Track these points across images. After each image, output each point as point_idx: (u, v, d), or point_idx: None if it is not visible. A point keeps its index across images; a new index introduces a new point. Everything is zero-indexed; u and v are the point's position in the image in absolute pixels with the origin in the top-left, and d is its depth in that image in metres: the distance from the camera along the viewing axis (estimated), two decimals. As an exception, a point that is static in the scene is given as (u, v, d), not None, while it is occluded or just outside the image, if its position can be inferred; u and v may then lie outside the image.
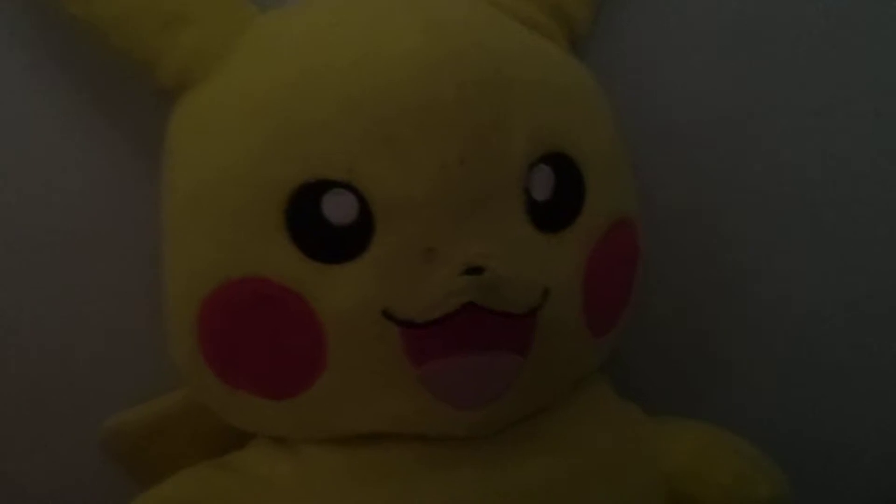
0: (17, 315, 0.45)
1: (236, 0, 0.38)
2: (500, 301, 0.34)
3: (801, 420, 0.55)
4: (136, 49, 0.37)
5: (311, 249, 0.34)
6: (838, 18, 0.49)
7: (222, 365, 0.36)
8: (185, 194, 0.37)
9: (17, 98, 0.43)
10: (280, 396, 0.36)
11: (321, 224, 0.34)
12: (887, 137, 0.51)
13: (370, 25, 0.36)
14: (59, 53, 0.42)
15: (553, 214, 0.37)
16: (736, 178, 0.51)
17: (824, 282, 0.53)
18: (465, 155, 0.34)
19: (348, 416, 0.37)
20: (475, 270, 0.34)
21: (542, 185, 0.37)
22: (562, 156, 0.37)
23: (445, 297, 0.34)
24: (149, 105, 0.39)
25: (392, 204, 0.34)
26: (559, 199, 0.37)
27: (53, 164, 0.44)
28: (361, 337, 0.35)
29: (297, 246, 0.34)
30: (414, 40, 0.35)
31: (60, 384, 0.46)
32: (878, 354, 0.54)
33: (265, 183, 0.34)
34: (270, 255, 0.34)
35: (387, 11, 0.36)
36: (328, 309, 0.34)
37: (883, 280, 0.53)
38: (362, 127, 0.34)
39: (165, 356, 0.39)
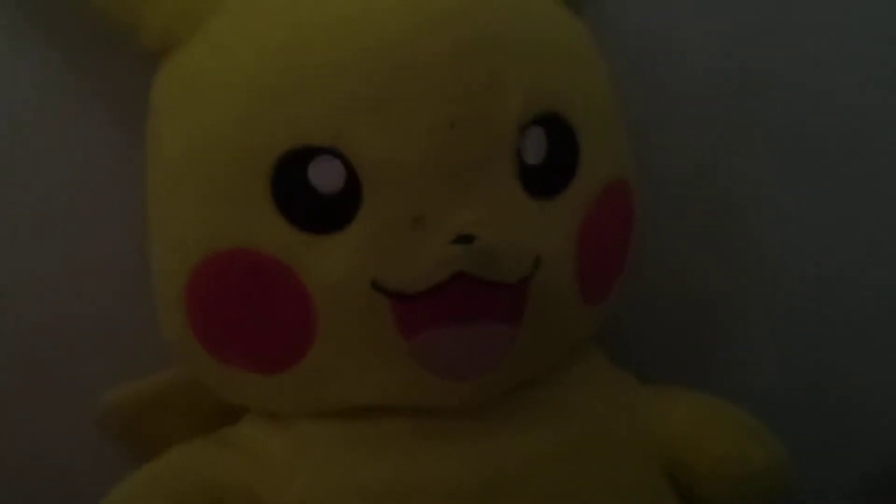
0: (8, 291, 0.45)
1: None
2: (491, 270, 0.34)
3: (804, 383, 0.54)
4: (119, 10, 0.36)
5: (298, 219, 0.34)
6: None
7: (212, 339, 0.36)
8: (168, 161, 0.36)
9: None
10: (271, 370, 0.36)
11: (308, 193, 0.33)
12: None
13: (362, 1, 0.35)
14: (39, 19, 0.42)
15: (546, 179, 0.36)
16: (742, 140, 0.51)
17: (830, 246, 0.52)
18: (455, 118, 0.33)
19: (340, 389, 0.36)
20: (466, 239, 0.33)
21: (535, 148, 0.36)
22: (555, 117, 0.36)
23: (435, 267, 0.33)
24: (133, 70, 0.38)
25: (380, 170, 0.33)
26: (552, 162, 0.36)
27: (39, 136, 0.43)
28: (351, 309, 0.34)
29: (284, 216, 0.33)
30: (408, 20, 0.34)
31: (55, 360, 0.46)
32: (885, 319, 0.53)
33: (250, 149, 0.33)
34: (257, 225, 0.34)
35: None
36: (317, 281, 0.34)
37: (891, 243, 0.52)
38: (349, 90, 0.33)
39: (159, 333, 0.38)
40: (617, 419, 0.41)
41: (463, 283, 0.33)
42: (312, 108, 0.33)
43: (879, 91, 0.50)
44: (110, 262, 0.45)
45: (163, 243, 0.36)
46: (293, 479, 0.37)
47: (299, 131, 0.33)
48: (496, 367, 0.36)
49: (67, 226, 0.44)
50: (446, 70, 0.33)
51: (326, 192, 0.33)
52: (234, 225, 0.34)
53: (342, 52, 0.33)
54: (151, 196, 0.37)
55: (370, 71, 0.33)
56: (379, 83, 0.33)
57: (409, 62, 0.33)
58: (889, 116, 0.50)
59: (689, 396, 0.44)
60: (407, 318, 0.34)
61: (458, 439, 0.37)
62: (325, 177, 0.33)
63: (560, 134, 0.37)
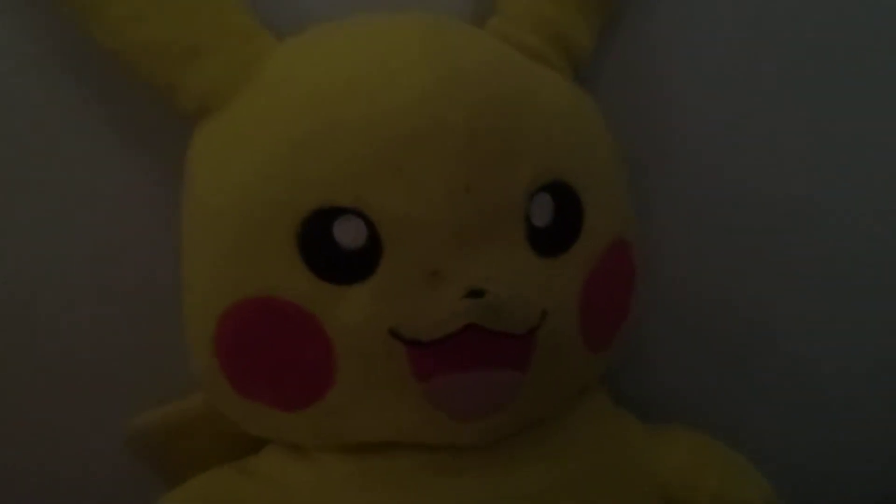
0: (47, 316, 0.47)
1: (253, 30, 0.40)
2: (500, 322, 0.36)
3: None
4: (160, 76, 0.38)
5: (322, 271, 0.36)
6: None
7: (237, 377, 0.38)
8: (204, 213, 0.38)
9: (44, 119, 0.44)
10: (292, 408, 0.39)
11: (332, 248, 0.36)
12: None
13: (389, 64, 0.37)
14: (83, 79, 0.43)
15: (552, 240, 0.39)
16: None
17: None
18: (470, 183, 0.36)
19: (357, 426, 0.39)
20: (477, 293, 0.36)
21: (543, 212, 0.38)
22: (562, 184, 0.39)
23: (449, 319, 0.36)
24: (172, 132, 0.41)
25: (399, 229, 0.36)
26: (558, 225, 0.39)
27: (85, 185, 0.45)
28: (369, 354, 0.37)
29: (310, 268, 0.36)
30: (429, 84, 0.36)
31: (88, 381, 0.48)
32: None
33: (279, 208, 0.36)
34: (284, 276, 0.36)
35: (401, 51, 0.37)
36: (338, 327, 0.36)
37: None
38: (374, 158, 0.35)
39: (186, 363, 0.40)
40: (619, 458, 0.44)
41: (474, 332, 0.36)
42: (336, 170, 0.36)
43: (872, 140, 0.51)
44: (145, 289, 0.47)
45: (194, 288, 0.39)
46: None
47: (325, 192, 0.36)
48: (504, 409, 0.39)
49: (106, 263, 0.46)
50: (463, 143, 0.36)
51: (349, 247, 0.36)
52: (262, 275, 0.37)
53: (366, 118, 0.36)
54: (185, 247, 0.39)
55: (391, 136, 0.36)
56: (399, 148, 0.35)
57: (429, 135, 0.36)
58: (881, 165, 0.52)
59: (685, 436, 0.47)
60: (422, 364, 0.37)
61: (467, 475, 0.40)
62: (348, 234, 0.36)
63: (566, 199, 0.39)
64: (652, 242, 0.48)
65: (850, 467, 0.56)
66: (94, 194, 0.45)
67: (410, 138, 0.35)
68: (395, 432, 0.39)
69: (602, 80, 0.48)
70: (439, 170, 0.36)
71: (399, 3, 0.41)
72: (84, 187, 0.45)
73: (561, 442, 0.42)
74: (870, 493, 0.57)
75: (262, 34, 0.40)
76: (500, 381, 0.38)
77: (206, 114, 0.39)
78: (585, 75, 0.45)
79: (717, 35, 0.49)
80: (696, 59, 0.50)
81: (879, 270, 0.53)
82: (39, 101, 0.44)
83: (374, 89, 0.36)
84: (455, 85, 0.36)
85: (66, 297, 0.47)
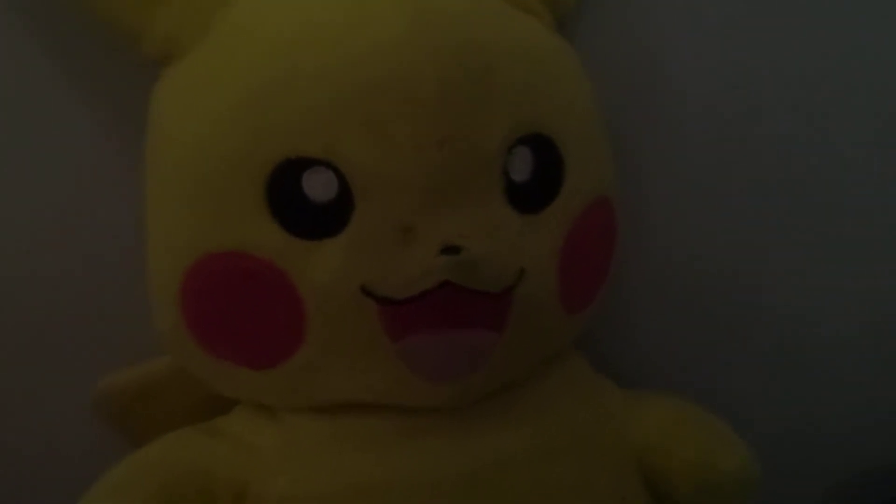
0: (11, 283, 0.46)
1: None
2: (475, 280, 0.35)
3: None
4: (122, 19, 0.37)
5: (292, 225, 0.35)
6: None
7: (204, 336, 0.37)
8: (165, 167, 0.37)
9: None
10: (260, 367, 0.37)
11: (302, 201, 0.35)
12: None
13: (357, 9, 0.36)
14: (43, 26, 0.42)
15: (531, 195, 0.38)
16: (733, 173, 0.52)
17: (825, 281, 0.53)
18: (444, 137, 0.35)
19: (327, 386, 0.38)
20: (452, 250, 0.34)
21: (521, 166, 0.37)
22: (541, 137, 0.38)
23: (422, 276, 0.35)
24: (134, 79, 0.39)
25: (370, 182, 0.34)
26: (537, 180, 0.38)
27: (41, 138, 0.44)
28: (340, 312, 0.36)
29: (279, 222, 0.35)
30: (399, 24, 0.35)
31: (54, 344, 0.47)
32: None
33: (246, 158, 0.35)
34: (252, 230, 0.35)
35: None
36: (308, 284, 0.35)
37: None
38: (342, 106, 0.34)
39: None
40: (594, 423, 0.43)
41: (449, 291, 0.35)
42: (304, 119, 0.34)
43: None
44: (108, 256, 0.46)
45: (158, 243, 0.38)
46: (280, 471, 0.38)
47: (293, 141, 0.34)
48: (478, 370, 0.38)
49: (67, 223, 0.45)
50: (435, 99, 0.34)
51: (319, 200, 0.35)
52: (228, 228, 0.35)
53: (336, 72, 0.34)
54: (149, 198, 0.38)
55: (357, 84, 0.34)
56: (366, 97, 0.34)
57: (400, 90, 0.34)
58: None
59: (664, 402, 0.46)
60: (394, 322, 0.36)
61: (438, 437, 0.39)
62: (318, 186, 0.34)
63: (545, 153, 0.38)
64: (637, 207, 0.47)
65: (834, 435, 0.56)
66: (60, 150, 0.44)
67: (378, 87, 0.34)
68: (367, 393, 0.38)
69: (586, 34, 0.46)
70: (410, 122, 0.34)
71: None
72: (50, 144, 0.44)
73: (535, 406, 0.41)
74: (854, 460, 0.57)
75: None
76: (475, 342, 0.37)
77: (170, 60, 0.38)
78: (571, 29, 0.44)
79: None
80: (688, 11, 0.49)
81: (868, 233, 0.52)
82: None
83: (340, 34, 0.35)
84: (427, 30, 0.35)
85: (30, 255, 0.45)
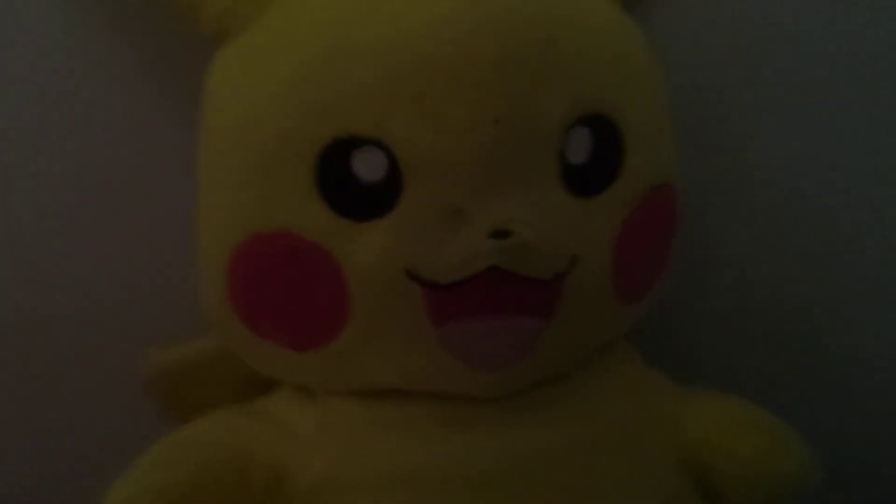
0: (59, 258, 0.46)
1: None
2: (525, 266, 0.34)
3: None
4: None
5: (339, 206, 0.34)
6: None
7: (249, 314, 0.37)
8: (218, 143, 0.37)
9: (59, 45, 0.44)
10: (303, 348, 0.37)
11: (350, 181, 0.34)
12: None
13: None
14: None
15: (588, 179, 0.36)
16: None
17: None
18: (498, 116, 0.33)
19: (368, 370, 0.37)
20: (502, 234, 0.33)
21: (579, 148, 0.35)
22: (602, 118, 0.36)
23: (469, 260, 0.33)
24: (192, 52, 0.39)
25: (420, 162, 0.33)
26: (596, 163, 0.36)
27: (95, 113, 0.45)
28: (384, 295, 0.35)
29: (327, 202, 0.34)
30: (452, 6, 0.33)
31: (101, 320, 0.48)
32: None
33: (297, 136, 0.34)
34: (300, 210, 0.34)
35: None
36: (353, 266, 0.34)
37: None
38: (394, 83, 0.33)
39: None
40: (643, 419, 0.41)
41: (496, 276, 0.33)
42: (356, 94, 0.33)
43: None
44: (159, 233, 0.46)
45: (209, 221, 0.37)
46: (317, 454, 0.38)
47: (342, 119, 0.33)
48: (524, 359, 0.36)
49: (122, 198, 0.46)
50: (491, 73, 0.33)
51: (368, 180, 0.34)
52: (276, 207, 0.35)
53: (387, 40, 0.33)
54: (202, 175, 0.38)
55: (410, 59, 0.33)
56: (420, 72, 0.33)
57: (456, 58, 0.33)
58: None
59: (720, 399, 0.44)
60: (438, 308, 0.35)
61: (480, 427, 0.38)
62: (367, 166, 0.33)
63: (605, 135, 0.36)
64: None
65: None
66: (110, 130, 0.45)
67: (432, 62, 0.33)
68: (407, 379, 0.37)
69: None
70: (464, 99, 0.33)
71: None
72: (102, 122, 0.44)
73: (581, 399, 0.40)
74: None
75: None
76: (521, 330, 0.36)
77: (226, 36, 0.37)
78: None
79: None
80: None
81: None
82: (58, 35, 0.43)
83: (395, 6, 0.34)
84: (487, 21, 0.33)
85: (79, 235, 0.46)
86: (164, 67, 0.44)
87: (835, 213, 0.51)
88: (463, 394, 0.38)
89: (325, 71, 0.34)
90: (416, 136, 0.33)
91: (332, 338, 0.36)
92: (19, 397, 0.48)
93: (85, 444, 0.49)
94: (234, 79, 0.37)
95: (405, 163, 0.33)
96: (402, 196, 0.34)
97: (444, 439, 0.38)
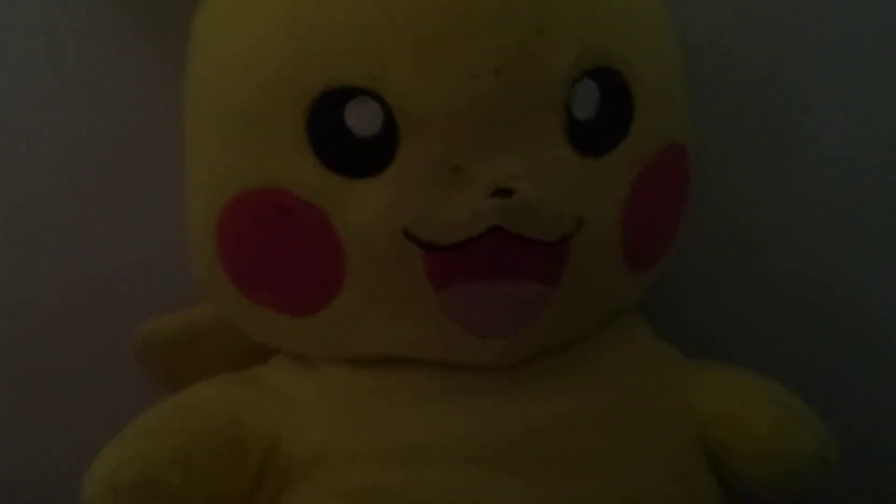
0: (52, 226, 0.46)
1: None
2: (529, 227, 0.32)
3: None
4: None
5: (332, 161, 0.33)
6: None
7: (241, 277, 0.35)
8: (204, 97, 0.35)
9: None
10: (298, 313, 0.36)
11: (344, 134, 0.32)
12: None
13: None
14: None
15: (596, 135, 0.34)
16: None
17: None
18: (500, 65, 0.31)
19: (366, 337, 0.36)
20: (504, 192, 0.31)
21: (586, 102, 0.34)
22: (610, 71, 0.34)
23: (470, 220, 0.32)
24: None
25: (418, 115, 0.32)
26: (603, 118, 0.34)
27: (77, 66, 0.44)
28: (381, 257, 0.33)
29: (319, 157, 0.33)
30: None
31: (95, 290, 0.47)
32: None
33: (286, 85, 0.32)
34: (291, 165, 0.33)
35: None
36: (348, 225, 0.33)
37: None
38: (390, 30, 0.32)
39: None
40: (654, 391, 0.39)
41: (499, 238, 0.32)
42: (348, 40, 0.32)
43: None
44: (152, 201, 0.45)
45: (196, 179, 0.36)
46: (314, 423, 0.36)
47: (337, 70, 0.32)
48: (528, 327, 0.35)
49: (110, 160, 0.45)
50: (493, 14, 0.31)
51: (363, 134, 0.32)
52: (268, 164, 0.33)
53: None
54: (188, 132, 0.37)
55: (409, 6, 0.31)
56: (421, 23, 0.31)
57: (455, 2, 0.31)
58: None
59: (735, 374, 0.42)
60: (438, 270, 0.33)
61: (483, 397, 0.36)
62: (362, 118, 0.32)
63: (614, 90, 0.35)
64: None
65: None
66: (103, 87, 0.44)
67: (430, 6, 0.31)
68: (407, 346, 0.36)
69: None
70: (464, 47, 0.31)
71: None
72: (90, 91, 0.44)
73: (590, 369, 0.38)
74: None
75: None
76: (526, 295, 0.34)
77: None
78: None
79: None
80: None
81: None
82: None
83: None
84: None
85: (70, 204, 0.45)
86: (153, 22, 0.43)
87: (856, 180, 0.49)
88: (466, 362, 0.36)
89: (317, 14, 0.32)
90: (413, 87, 0.31)
91: (327, 302, 0.35)
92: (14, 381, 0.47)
93: (80, 424, 0.48)
94: (220, 23, 0.35)
95: (402, 115, 0.32)
96: (398, 151, 0.32)
97: (446, 410, 0.36)
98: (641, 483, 0.37)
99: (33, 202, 0.45)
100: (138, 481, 0.32)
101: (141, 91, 0.44)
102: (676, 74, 0.38)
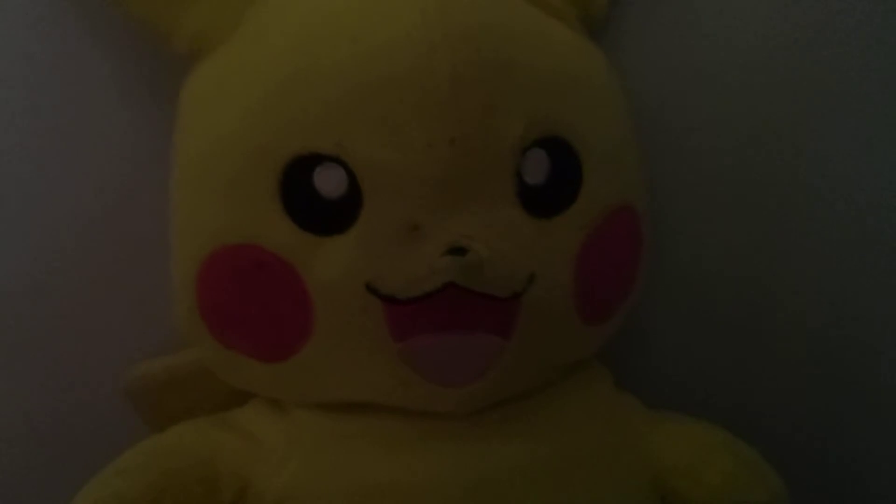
0: (42, 271, 0.47)
1: None
2: (481, 283, 0.34)
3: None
4: (153, 16, 0.38)
5: (303, 221, 0.35)
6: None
7: (216, 325, 0.38)
8: (189, 159, 0.38)
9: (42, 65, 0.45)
10: (268, 359, 0.38)
11: (313, 196, 0.35)
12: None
13: (377, 4, 0.35)
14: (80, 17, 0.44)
15: (546, 199, 0.37)
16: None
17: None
18: (455, 135, 0.34)
19: (333, 384, 0.38)
20: (458, 251, 0.34)
21: (536, 169, 0.36)
22: (559, 140, 0.37)
23: (427, 275, 0.34)
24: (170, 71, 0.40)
25: (379, 179, 0.34)
26: (553, 183, 0.37)
27: (77, 132, 0.46)
28: (346, 309, 0.35)
29: (290, 216, 0.35)
30: (412, 20, 0.34)
31: (85, 331, 0.48)
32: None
33: (260, 153, 0.35)
34: (265, 223, 0.35)
35: None
36: (316, 279, 0.35)
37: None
38: (353, 102, 0.34)
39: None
40: (611, 440, 0.41)
41: (454, 293, 0.34)
42: (318, 114, 0.34)
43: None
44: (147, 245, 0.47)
45: (180, 233, 0.38)
46: (283, 466, 0.38)
47: (306, 138, 0.34)
48: (484, 376, 0.37)
49: (104, 214, 0.47)
50: (447, 92, 0.34)
51: (330, 196, 0.35)
52: (243, 221, 0.36)
53: (346, 63, 0.34)
54: (175, 187, 0.39)
55: (370, 80, 0.34)
56: (380, 96, 0.34)
57: (412, 82, 0.34)
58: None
59: (691, 424, 0.44)
60: (399, 322, 0.35)
61: (447, 442, 0.38)
62: (329, 182, 0.34)
63: (562, 157, 0.37)
64: (658, 221, 0.45)
65: (872, 451, 0.52)
66: (95, 141, 0.46)
67: (390, 83, 0.34)
68: (371, 393, 0.38)
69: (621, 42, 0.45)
70: (421, 119, 0.34)
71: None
72: (84, 135, 0.46)
73: (548, 418, 0.40)
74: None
75: None
76: (480, 347, 0.36)
77: (199, 56, 0.39)
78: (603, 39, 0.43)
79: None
80: (721, 30, 0.47)
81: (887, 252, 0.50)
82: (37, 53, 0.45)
83: (357, 29, 0.35)
84: (441, 21, 0.34)
85: (63, 247, 0.47)
86: (146, 81, 0.45)
87: (830, 219, 0.50)
88: (427, 410, 0.38)
89: (289, 94, 0.35)
90: (374, 155, 0.34)
91: (296, 350, 0.37)
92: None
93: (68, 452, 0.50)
94: (204, 103, 0.38)
95: (364, 179, 0.34)
96: (361, 212, 0.35)
97: (411, 454, 0.38)
98: None
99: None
100: None
101: (132, 151, 0.46)
102: (626, 140, 0.41)
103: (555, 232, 0.37)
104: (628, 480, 0.41)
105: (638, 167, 0.41)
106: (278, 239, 0.35)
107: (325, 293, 0.35)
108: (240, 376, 0.40)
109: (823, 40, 0.48)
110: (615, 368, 0.45)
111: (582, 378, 0.42)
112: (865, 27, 0.47)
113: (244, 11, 0.38)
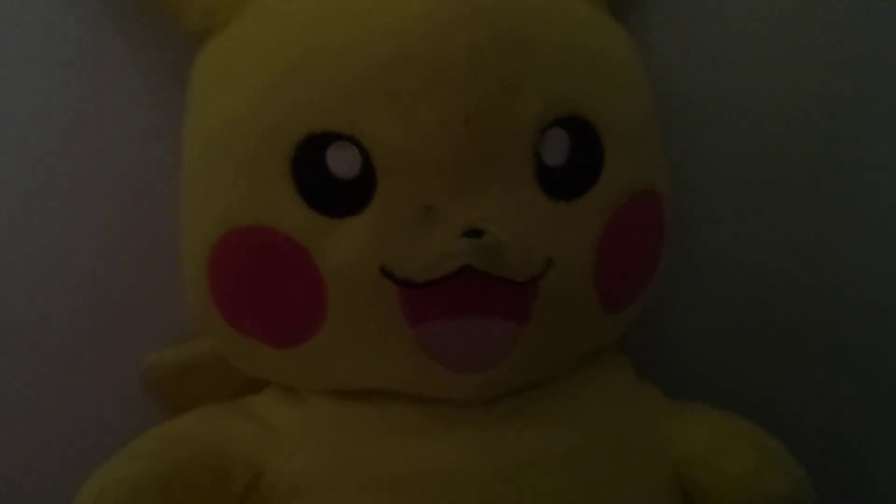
0: (59, 260, 0.47)
1: None
2: (498, 266, 0.34)
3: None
4: None
5: (315, 202, 0.34)
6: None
7: (228, 310, 0.37)
8: (199, 140, 0.37)
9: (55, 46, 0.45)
10: (281, 345, 0.37)
11: (325, 176, 0.34)
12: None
13: None
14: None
15: (566, 181, 0.36)
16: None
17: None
18: (469, 114, 0.33)
19: (347, 370, 0.37)
20: (475, 233, 0.33)
21: (555, 149, 0.35)
22: (579, 120, 0.36)
23: (442, 259, 0.33)
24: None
25: (393, 160, 0.33)
26: (573, 165, 0.36)
27: (84, 111, 0.46)
28: (360, 293, 0.35)
29: (303, 197, 0.34)
30: (425, 4, 0.34)
31: (103, 318, 0.48)
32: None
33: (272, 132, 0.34)
34: (276, 205, 0.35)
35: None
36: (329, 263, 0.35)
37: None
38: (366, 80, 0.33)
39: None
40: (630, 429, 0.40)
41: (470, 276, 0.33)
42: (330, 93, 0.34)
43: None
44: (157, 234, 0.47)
45: (191, 216, 0.38)
46: (297, 453, 0.38)
47: (318, 116, 0.34)
48: (500, 363, 0.36)
49: (116, 198, 0.47)
50: (463, 68, 0.33)
51: (343, 176, 0.34)
52: (255, 203, 0.35)
53: (359, 39, 0.34)
54: (185, 171, 0.38)
55: (386, 60, 0.33)
56: (394, 73, 0.33)
57: (427, 58, 0.33)
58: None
59: (713, 414, 0.42)
60: (414, 307, 0.34)
61: (461, 430, 0.37)
62: (342, 162, 0.34)
63: (583, 137, 0.36)
64: (680, 208, 0.45)
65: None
66: (100, 128, 0.46)
67: (405, 60, 0.33)
68: (386, 380, 0.37)
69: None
70: (435, 97, 0.33)
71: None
72: (91, 121, 0.46)
73: (567, 406, 0.39)
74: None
75: None
76: (496, 332, 0.35)
77: (208, 34, 0.38)
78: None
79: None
80: (754, 9, 0.46)
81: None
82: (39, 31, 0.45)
83: (368, 6, 0.34)
84: (460, 13, 0.33)
85: (78, 235, 0.47)
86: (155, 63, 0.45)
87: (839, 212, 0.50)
88: (442, 397, 0.37)
89: (302, 72, 0.34)
90: (387, 134, 0.33)
91: (309, 335, 0.36)
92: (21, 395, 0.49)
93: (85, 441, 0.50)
94: (215, 83, 0.37)
95: (378, 160, 0.33)
96: (375, 193, 0.34)
97: (425, 443, 0.37)
98: None
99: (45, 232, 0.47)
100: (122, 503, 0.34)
101: (140, 134, 0.46)
102: (649, 122, 0.40)
103: (575, 216, 0.36)
104: (648, 470, 0.40)
105: (660, 149, 0.40)
106: (290, 221, 0.35)
107: (338, 277, 0.35)
108: (253, 363, 0.39)
109: (859, 25, 0.47)
110: (636, 359, 0.44)
111: (601, 366, 0.41)
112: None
113: None
